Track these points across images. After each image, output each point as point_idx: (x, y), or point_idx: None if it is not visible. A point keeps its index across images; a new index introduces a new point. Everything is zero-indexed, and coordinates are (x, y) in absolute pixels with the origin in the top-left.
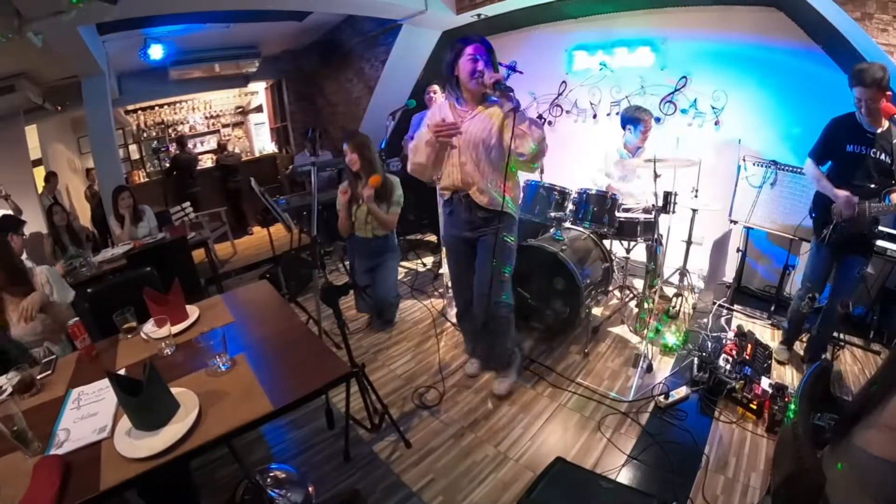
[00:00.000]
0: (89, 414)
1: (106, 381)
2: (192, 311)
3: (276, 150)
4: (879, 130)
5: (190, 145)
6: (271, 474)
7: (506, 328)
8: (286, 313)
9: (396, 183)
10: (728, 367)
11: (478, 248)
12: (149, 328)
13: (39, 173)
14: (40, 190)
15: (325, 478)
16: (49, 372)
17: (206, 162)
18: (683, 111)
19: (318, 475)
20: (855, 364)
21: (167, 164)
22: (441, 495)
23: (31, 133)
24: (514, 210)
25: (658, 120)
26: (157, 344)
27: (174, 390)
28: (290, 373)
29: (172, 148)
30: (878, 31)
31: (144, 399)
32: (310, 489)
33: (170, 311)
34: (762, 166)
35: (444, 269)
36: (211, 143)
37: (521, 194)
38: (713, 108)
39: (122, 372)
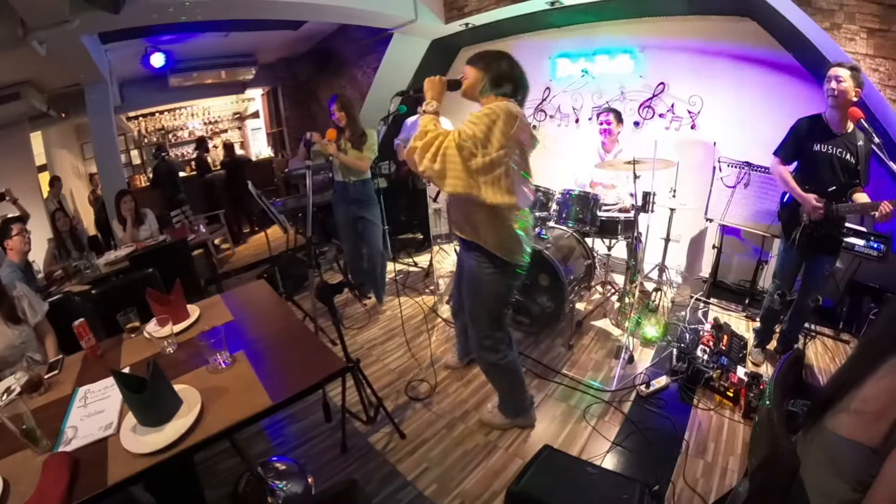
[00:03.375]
0: (96, 411)
1: (111, 380)
2: (193, 310)
3: (273, 155)
4: (843, 132)
5: (181, 152)
6: (272, 466)
7: (494, 377)
8: (283, 311)
9: (371, 133)
10: (705, 357)
11: None
12: (151, 327)
13: (44, 179)
14: (45, 195)
15: (324, 469)
16: (56, 371)
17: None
18: (661, 115)
19: (317, 466)
20: (826, 353)
21: (150, 177)
22: (435, 483)
23: (37, 139)
24: (490, 245)
25: (637, 124)
26: (160, 343)
27: (177, 387)
28: (287, 368)
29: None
30: (845, 40)
31: (148, 396)
32: (309, 480)
33: (171, 311)
34: (736, 167)
35: (435, 267)
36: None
37: (506, 237)
38: (689, 112)
39: (126, 370)
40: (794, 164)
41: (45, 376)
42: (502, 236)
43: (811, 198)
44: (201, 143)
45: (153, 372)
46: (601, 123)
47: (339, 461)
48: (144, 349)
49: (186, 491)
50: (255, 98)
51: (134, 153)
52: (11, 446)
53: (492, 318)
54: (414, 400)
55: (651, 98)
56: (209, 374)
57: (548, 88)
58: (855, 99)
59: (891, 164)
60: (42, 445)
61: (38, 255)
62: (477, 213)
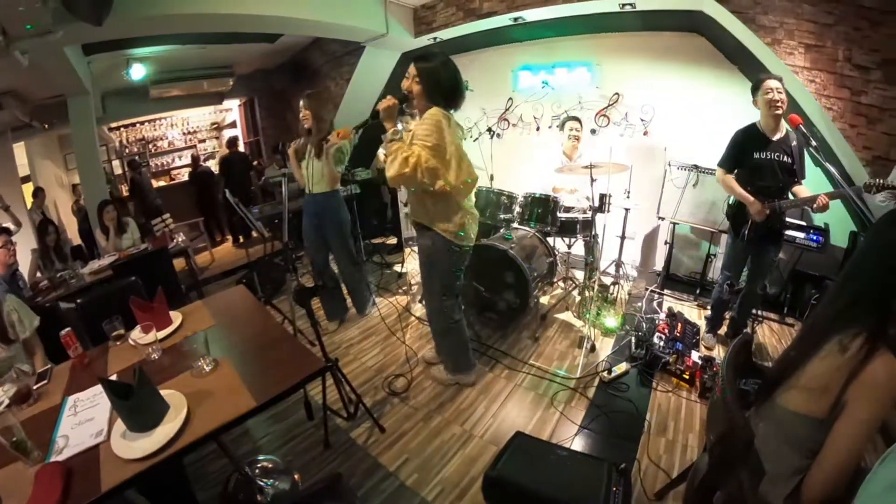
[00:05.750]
0: (86, 419)
1: (100, 387)
2: (176, 316)
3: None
4: (778, 137)
5: (162, 161)
6: (259, 465)
7: (446, 338)
8: (263, 315)
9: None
10: (662, 343)
11: None
12: (136, 335)
13: (28, 189)
14: (29, 206)
15: (309, 465)
16: (45, 381)
17: (183, 174)
18: (616, 123)
19: (302, 463)
20: (772, 336)
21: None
22: (415, 473)
23: (20, 150)
24: (442, 231)
25: (594, 131)
26: (145, 349)
27: (163, 392)
28: (269, 370)
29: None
30: (785, 54)
31: (136, 402)
32: (295, 476)
33: (155, 318)
34: (685, 170)
35: (407, 269)
36: (186, 157)
37: (451, 220)
38: (642, 120)
39: (113, 377)
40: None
41: (34, 387)
42: (449, 221)
43: (757, 203)
44: (233, 143)
45: (139, 378)
46: (570, 130)
47: (323, 457)
48: (130, 356)
49: (178, 493)
50: (233, 108)
51: (116, 163)
52: (2, 459)
53: (445, 287)
54: (392, 395)
55: (607, 107)
56: (194, 379)
57: (510, 99)
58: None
59: (827, 164)
60: (33, 457)
61: (22, 267)
62: (432, 203)
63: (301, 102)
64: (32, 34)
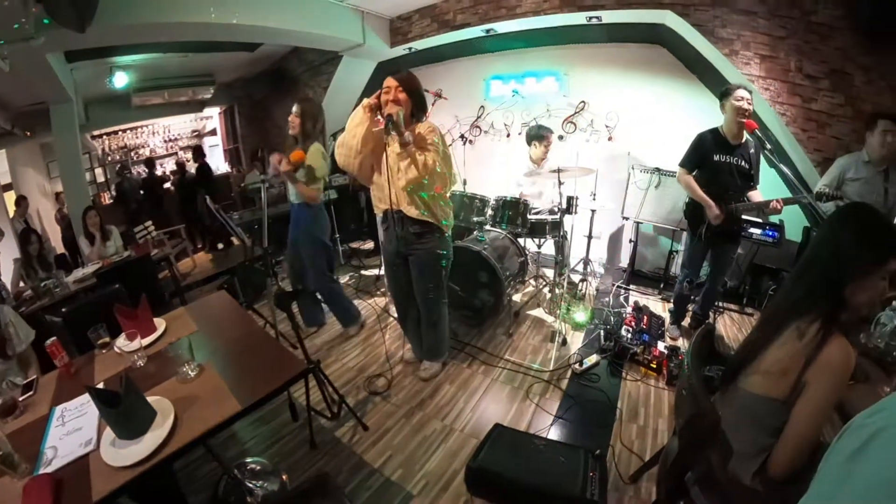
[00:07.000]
0: (74, 429)
1: (87, 396)
2: (160, 323)
3: (230, 170)
4: (738, 143)
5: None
6: (248, 468)
7: (441, 323)
8: (245, 320)
9: (312, 154)
10: (629, 335)
11: (410, 265)
12: (121, 342)
13: (10, 198)
14: (11, 214)
15: (296, 465)
16: (31, 392)
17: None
18: (582, 129)
19: (290, 464)
20: (733, 325)
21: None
22: (400, 469)
23: (1, 158)
24: (446, 224)
25: (561, 137)
26: (131, 356)
27: (150, 399)
28: (253, 373)
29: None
30: (742, 64)
31: (124, 410)
32: (283, 477)
33: (139, 325)
34: (648, 173)
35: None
36: (168, 165)
37: (450, 213)
38: (607, 126)
39: (100, 386)
40: (695, 171)
41: (20, 398)
42: (448, 214)
43: (714, 208)
44: (198, 152)
45: (126, 386)
46: (545, 140)
47: (309, 457)
48: (116, 364)
49: (170, 498)
50: (213, 116)
51: (98, 171)
52: None
53: (447, 276)
54: (373, 394)
55: (573, 114)
56: (179, 385)
57: (482, 107)
58: None
59: (781, 166)
60: (21, 470)
61: (4, 276)
62: (444, 204)
63: (294, 108)
64: (13, 39)
